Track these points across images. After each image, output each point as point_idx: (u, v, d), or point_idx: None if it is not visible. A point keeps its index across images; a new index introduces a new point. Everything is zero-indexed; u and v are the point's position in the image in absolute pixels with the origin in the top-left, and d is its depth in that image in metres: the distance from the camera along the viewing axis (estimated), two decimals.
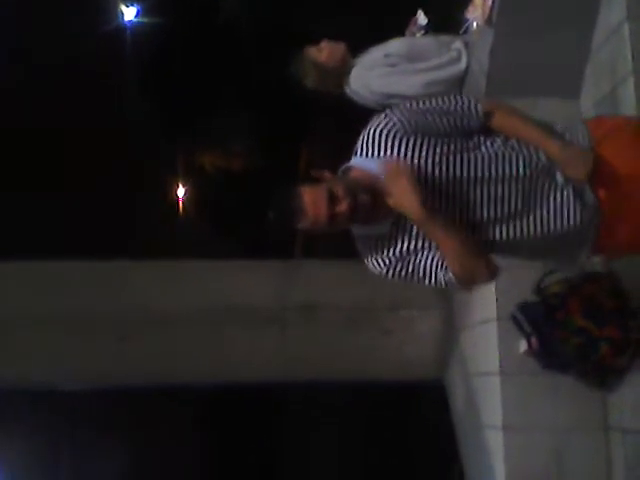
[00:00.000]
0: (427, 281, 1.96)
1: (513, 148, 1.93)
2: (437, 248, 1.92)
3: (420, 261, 1.95)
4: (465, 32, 3.50)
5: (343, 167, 2.00)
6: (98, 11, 9.18)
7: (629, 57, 2.98)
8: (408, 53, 3.29)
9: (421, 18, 3.59)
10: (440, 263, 1.92)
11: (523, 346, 3.13)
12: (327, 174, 1.93)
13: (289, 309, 4.52)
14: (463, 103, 1.95)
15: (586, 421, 3.28)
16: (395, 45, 3.38)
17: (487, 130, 1.96)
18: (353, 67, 3.37)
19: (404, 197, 1.83)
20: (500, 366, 3.35)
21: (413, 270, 1.95)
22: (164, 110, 10.06)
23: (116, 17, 9.70)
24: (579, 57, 3.32)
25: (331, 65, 3.35)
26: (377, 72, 3.28)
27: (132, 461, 6.01)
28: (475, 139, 1.94)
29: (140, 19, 9.83)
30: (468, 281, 1.93)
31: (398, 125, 1.91)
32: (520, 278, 3.10)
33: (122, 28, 9.74)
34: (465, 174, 1.89)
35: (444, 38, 3.42)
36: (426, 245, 1.94)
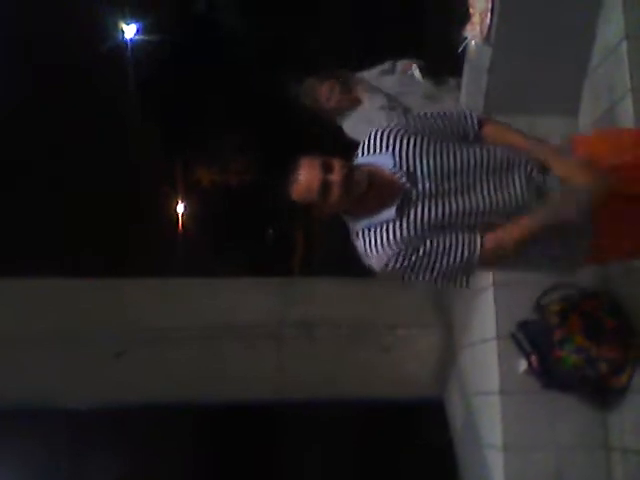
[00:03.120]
0: (444, 262, 1.91)
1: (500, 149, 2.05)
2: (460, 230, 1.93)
3: (439, 243, 1.91)
4: (463, 50, 3.51)
5: None
6: (99, 29, 9.23)
7: (627, 75, 2.98)
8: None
9: (416, 73, 3.63)
10: (468, 240, 1.91)
11: (523, 365, 3.11)
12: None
13: (287, 326, 4.49)
14: (460, 114, 2.11)
15: (587, 440, 3.24)
16: (386, 87, 3.53)
17: (478, 138, 2.08)
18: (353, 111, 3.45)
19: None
20: (500, 385, 3.32)
21: (429, 252, 1.91)
22: (163, 127, 10.10)
23: (117, 35, 9.77)
24: (577, 75, 3.33)
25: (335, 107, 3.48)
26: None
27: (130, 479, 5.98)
28: (468, 143, 2.06)
29: (140, 37, 9.90)
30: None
31: (400, 125, 2.04)
32: (520, 296, 3.09)
33: (123, 46, 9.80)
34: (462, 164, 1.98)
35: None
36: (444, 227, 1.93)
